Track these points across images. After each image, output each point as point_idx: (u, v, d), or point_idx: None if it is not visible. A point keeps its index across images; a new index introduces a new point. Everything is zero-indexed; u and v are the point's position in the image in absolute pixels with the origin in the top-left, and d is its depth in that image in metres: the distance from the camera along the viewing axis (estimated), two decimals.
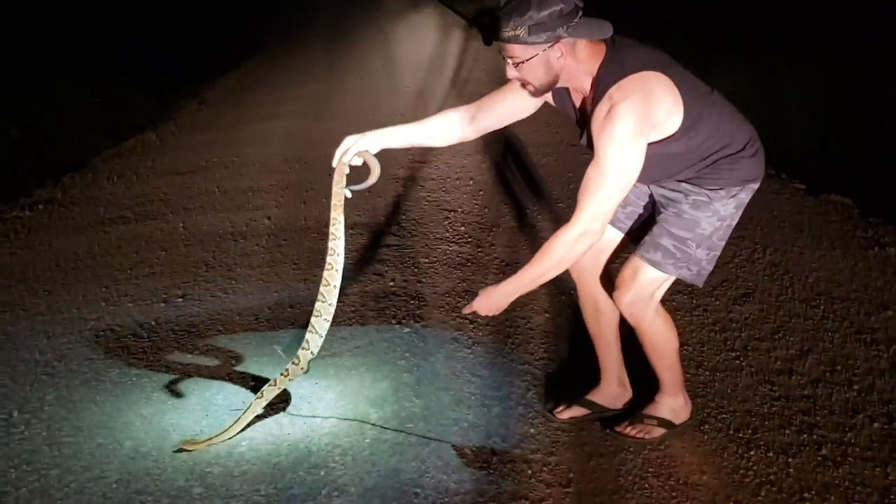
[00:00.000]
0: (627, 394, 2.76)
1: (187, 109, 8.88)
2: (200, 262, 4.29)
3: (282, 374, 2.64)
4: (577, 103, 2.35)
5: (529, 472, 2.52)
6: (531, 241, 4.33)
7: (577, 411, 2.75)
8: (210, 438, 2.64)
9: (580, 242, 2.13)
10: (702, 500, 2.36)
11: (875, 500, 2.34)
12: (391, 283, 3.89)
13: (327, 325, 2.57)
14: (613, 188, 2.10)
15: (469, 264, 4.08)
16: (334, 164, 2.42)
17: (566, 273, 2.39)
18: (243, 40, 13.83)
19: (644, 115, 2.07)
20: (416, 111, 7.59)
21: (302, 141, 6.81)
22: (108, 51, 9.61)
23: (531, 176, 5.42)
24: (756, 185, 2.35)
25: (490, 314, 2.33)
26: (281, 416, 2.85)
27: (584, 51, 2.14)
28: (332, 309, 2.54)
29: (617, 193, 2.12)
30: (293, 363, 2.61)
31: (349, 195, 2.48)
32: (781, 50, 7.77)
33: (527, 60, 2.08)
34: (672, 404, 2.61)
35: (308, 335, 2.57)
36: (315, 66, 11.35)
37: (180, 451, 2.64)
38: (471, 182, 5.34)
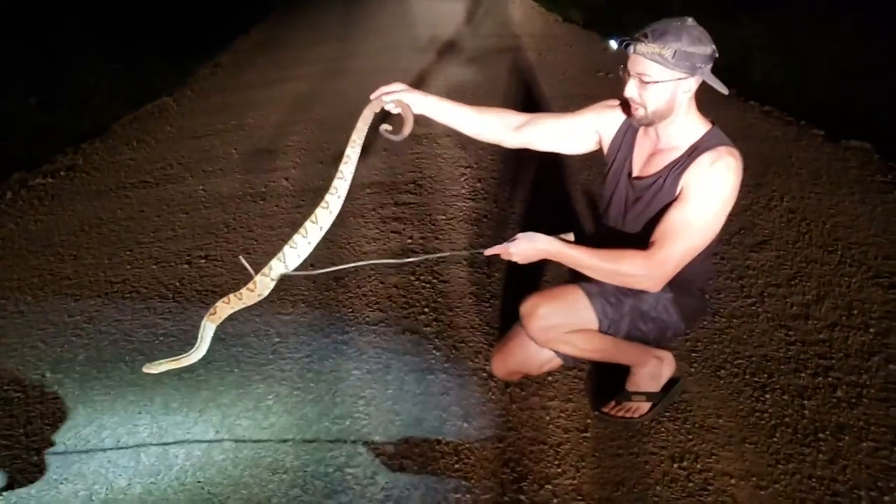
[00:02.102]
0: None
1: (203, 73, 8.93)
2: (221, 223, 4.36)
3: (234, 296, 2.18)
4: (639, 151, 2.30)
5: (548, 418, 2.58)
6: (548, 195, 4.34)
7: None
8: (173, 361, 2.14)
9: (639, 280, 2.10)
10: (717, 443, 2.41)
11: (889, 440, 2.37)
12: (409, 241, 3.93)
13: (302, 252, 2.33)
14: (695, 241, 2.08)
15: (486, 220, 4.11)
16: (373, 97, 2.30)
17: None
18: (256, 2, 13.79)
19: (738, 183, 2.08)
20: (432, 67, 7.59)
21: (318, 102, 6.84)
22: (123, 18, 9.62)
23: None
24: (675, 333, 2.41)
25: (518, 260, 2.18)
26: (305, 371, 2.93)
27: (695, 110, 2.15)
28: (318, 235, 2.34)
29: (696, 247, 2.09)
30: (249, 289, 2.19)
31: (390, 136, 2.26)
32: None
33: (659, 82, 2.02)
34: (648, 371, 2.51)
35: (274, 261, 2.25)
36: (329, 25, 11.32)
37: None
38: None
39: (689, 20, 2.01)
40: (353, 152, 2.18)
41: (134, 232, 4.35)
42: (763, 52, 6.91)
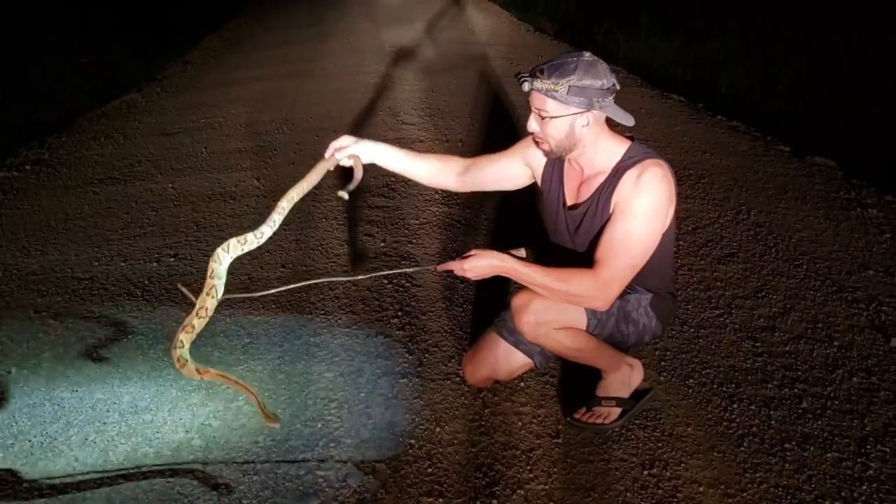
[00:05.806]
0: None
1: (172, 70, 8.84)
2: (191, 222, 4.32)
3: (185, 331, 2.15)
4: (569, 181, 2.37)
5: (520, 423, 2.59)
6: (520, 202, 4.35)
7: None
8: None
9: (588, 300, 2.18)
10: (686, 451, 2.45)
11: (852, 451, 2.43)
12: (381, 244, 3.93)
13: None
14: (636, 255, 2.14)
15: (459, 225, 4.13)
16: (327, 155, 2.40)
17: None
18: (227, 1, 13.69)
19: (670, 190, 2.15)
20: (401, 71, 7.60)
21: (288, 102, 6.81)
22: (92, 12, 9.49)
23: (520, 137, 5.44)
24: (652, 337, 2.50)
25: (471, 277, 2.25)
26: (276, 373, 2.91)
27: (607, 134, 2.21)
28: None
29: (638, 261, 2.15)
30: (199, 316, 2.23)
31: (345, 197, 2.33)
32: (771, 13, 7.81)
33: (555, 118, 2.10)
34: (619, 377, 2.56)
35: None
36: (298, 25, 11.29)
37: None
38: (460, 144, 5.37)
39: (587, 54, 2.07)
40: (287, 205, 2.28)
41: (102, 228, 4.29)
42: (729, 66, 7.04)
